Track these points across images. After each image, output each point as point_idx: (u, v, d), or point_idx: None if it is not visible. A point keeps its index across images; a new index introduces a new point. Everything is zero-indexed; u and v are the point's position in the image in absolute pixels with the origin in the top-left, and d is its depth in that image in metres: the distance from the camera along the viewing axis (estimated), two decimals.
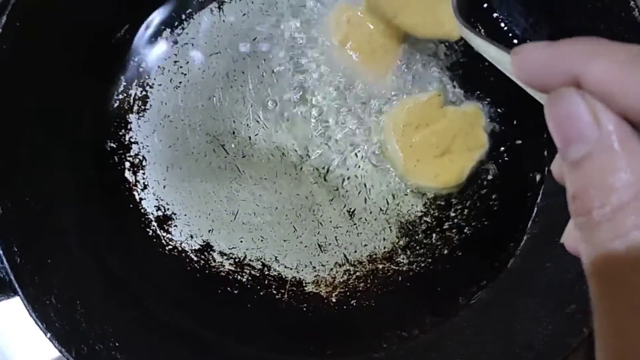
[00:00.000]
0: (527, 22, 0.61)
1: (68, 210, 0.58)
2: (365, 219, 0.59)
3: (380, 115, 0.61)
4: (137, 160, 0.62)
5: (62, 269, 0.53)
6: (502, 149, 0.60)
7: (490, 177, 0.59)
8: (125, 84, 0.64)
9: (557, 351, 0.47)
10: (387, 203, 0.59)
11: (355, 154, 0.61)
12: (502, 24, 0.62)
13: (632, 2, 0.49)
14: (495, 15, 0.62)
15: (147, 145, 0.62)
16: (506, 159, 0.60)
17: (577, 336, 0.46)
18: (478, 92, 0.61)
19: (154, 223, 0.60)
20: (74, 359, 0.46)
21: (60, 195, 0.58)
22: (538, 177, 0.59)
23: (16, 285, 0.48)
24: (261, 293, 0.58)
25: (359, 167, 0.60)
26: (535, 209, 0.59)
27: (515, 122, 0.60)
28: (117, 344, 0.50)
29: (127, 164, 0.62)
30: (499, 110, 0.61)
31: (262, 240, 0.59)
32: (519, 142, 0.60)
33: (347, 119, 0.62)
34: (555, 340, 0.47)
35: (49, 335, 0.46)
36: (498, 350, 0.51)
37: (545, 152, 0.59)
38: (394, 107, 0.60)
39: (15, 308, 0.65)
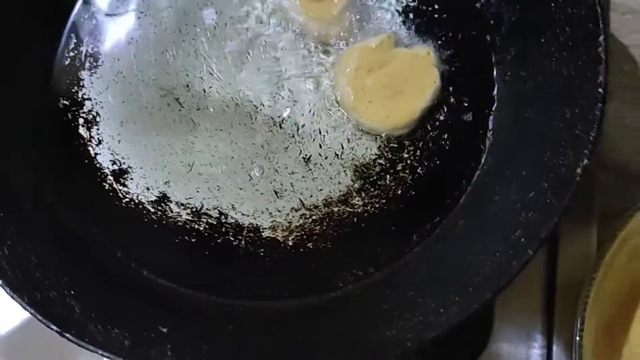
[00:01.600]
0: None
1: (22, 166, 0.58)
2: (321, 164, 0.60)
3: (332, 60, 0.61)
4: (91, 116, 0.62)
5: (14, 222, 0.53)
6: (452, 89, 0.60)
7: (441, 117, 0.60)
8: (75, 40, 0.63)
9: (502, 275, 0.47)
10: (342, 147, 0.60)
11: (309, 102, 0.61)
12: None
13: None
14: None
15: (100, 102, 0.62)
16: (456, 99, 0.60)
17: (521, 258, 0.47)
18: (428, 35, 0.62)
19: (109, 177, 0.60)
20: (26, 304, 0.46)
21: (14, 151, 0.58)
22: (487, 115, 0.60)
23: None
24: (219, 240, 0.58)
25: (313, 113, 0.61)
26: (485, 145, 0.59)
27: (464, 64, 0.61)
28: (72, 292, 0.51)
29: (81, 120, 0.62)
30: (448, 51, 0.61)
31: (218, 190, 0.59)
32: (468, 82, 0.60)
33: (300, 66, 0.62)
34: (501, 265, 0.48)
35: (0, 282, 0.47)
36: (449, 282, 0.52)
37: (495, 91, 0.60)
38: (346, 51, 0.61)
39: None
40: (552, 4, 0.55)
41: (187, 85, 0.62)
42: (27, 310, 0.46)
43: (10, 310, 0.67)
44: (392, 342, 0.48)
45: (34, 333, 0.68)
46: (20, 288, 0.47)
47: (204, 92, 0.62)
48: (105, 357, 0.47)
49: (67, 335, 0.46)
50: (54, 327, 0.46)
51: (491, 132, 0.59)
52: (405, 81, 0.59)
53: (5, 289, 0.47)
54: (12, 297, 0.47)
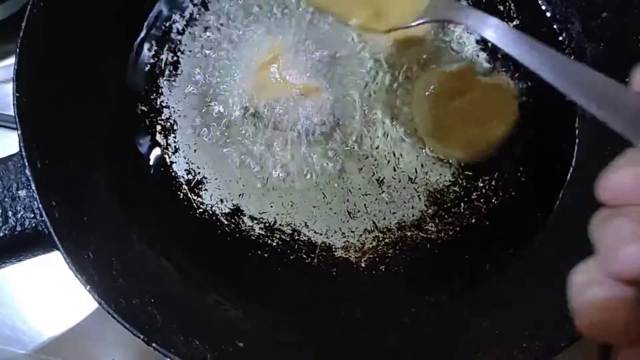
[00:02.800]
0: None
1: (102, 171, 0.58)
2: (394, 188, 0.60)
3: (411, 84, 0.61)
4: (169, 124, 0.62)
5: (97, 226, 0.54)
6: (531, 121, 0.60)
7: (519, 149, 0.60)
8: (156, 48, 0.64)
9: (561, 336, 0.47)
10: (416, 172, 0.60)
11: (384, 123, 0.61)
12: None
13: None
14: None
15: (178, 110, 0.63)
16: (535, 132, 0.60)
17: None
18: (508, 65, 0.62)
19: (184, 186, 0.60)
20: (113, 311, 0.46)
21: (95, 156, 0.58)
22: (567, 150, 0.60)
23: (55, 239, 0.48)
24: (291, 257, 0.58)
25: (389, 136, 0.61)
26: (564, 182, 0.59)
27: (544, 96, 0.61)
28: (152, 300, 0.51)
29: (159, 127, 0.62)
30: (528, 83, 0.61)
31: (292, 206, 0.60)
32: (548, 115, 0.61)
33: (378, 88, 0.62)
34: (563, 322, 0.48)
35: (88, 287, 0.47)
36: (522, 321, 0.52)
37: (576, 124, 0.60)
38: (426, 76, 0.61)
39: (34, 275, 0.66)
40: (639, 44, 0.55)
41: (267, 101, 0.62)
42: (114, 317, 0.46)
43: (62, 312, 0.68)
44: None
45: (86, 336, 0.69)
46: (107, 294, 0.47)
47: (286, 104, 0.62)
48: None
49: (154, 345, 0.46)
50: (141, 336, 0.46)
51: (570, 169, 0.59)
52: (485, 110, 0.59)
53: (93, 295, 0.47)
54: (100, 303, 0.47)
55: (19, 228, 0.49)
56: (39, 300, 0.70)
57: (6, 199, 0.49)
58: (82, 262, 0.49)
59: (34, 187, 0.48)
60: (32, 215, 0.49)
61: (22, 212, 0.49)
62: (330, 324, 0.56)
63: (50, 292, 0.70)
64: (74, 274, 0.47)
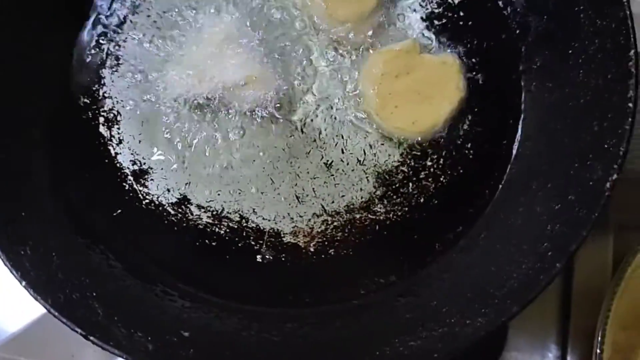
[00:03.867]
0: None
1: (42, 166, 0.57)
2: (343, 170, 0.59)
3: (356, 65, 0.61)
4: (112, 115, 0.61)
5: (36, 222, 0.53)
6: (477, 97, 0.60)
7: (465, 126, 0.60)
8: (97, 38, 0.63)
9: (529, 288, 0.47)
10: (364, 154, 0.60)
11: (331, 106, 0.60)
12: None
13: None
14: None
15: (121, 100, 0.61)
16: (481, 107, 0.60)
17: (549, 272, 0.47)
18: (454, 42, 0.61)
19: (130, 177, 0.60)
20: (50, 306, 0.46)
21: (34, 151, 0.57)
22: (513, 125, 0.59)
23: None
24: (239, 245, 0.58)
25: (335, 118, 0.60)
26: (510, 156, 0.59)
27: (490, 72, 0.61)
28: (94, 294, 0.50)
29: (102, 119, 0.61)
30: (474, 59, 0.61)
31: (239, 193, 0.59)
32: (494, 91, 0.60)
33: (324, 71, 0.61)
34: (528, 278, 0.48)
35: (24, 283, 0.46)
36: (473, 293, 0.52)
37: (521, 101, 0.59)
38: (371, 55, 0.60)
39: None
40: (581, 16, 0.55)
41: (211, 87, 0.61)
42: (50, 312, 0.46)
43: (21, 309, 0.67)
44: (417, 354, 0.47)
45: (45, 332, 0.68)
46: (44, 289, 0.47)
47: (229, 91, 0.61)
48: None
49: (92, 338, 0.45)
50: (79, 330, 0.45)
51: (516, 143, 0.59)
52: (432, 88, 0.59)
53: (29, 291, 0.46)
54: (36, 299, 0.46)
55: None
56: None
57: None
58: (18, 257, 0.48)
59: None
60: None
61: None
62: (278, 311, 0.56)
63: (6, 290, 0.69)
64: (8, 269, 0.46)
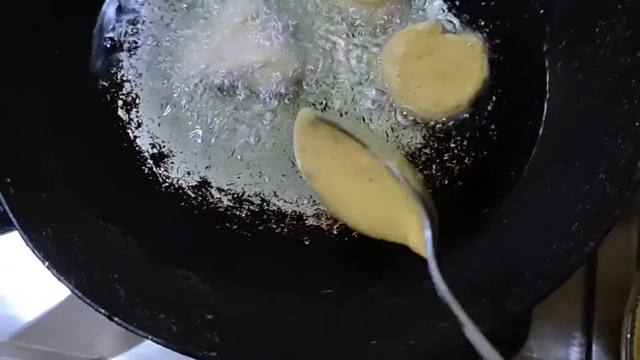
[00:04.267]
0: None
1: (61, 149, 0.57)
2: None
3: (377, 46, 0.60)
4: (130, 98, 0.61)
5: (57, 204, 0.52)
6: (501, 78, 0.59)
7: (489, 107, 0.59)
8: (115, 21, 0.62)
9: (561, 268, 0.46)
10: (387, 136, 0.59)
11: (352, 87, 0.59)
12: None
13: None
14: None
15: (140, 84, 0.61)
16: (505, 88, 0.59)
17: (581, 252, 0.46)
18: (476, 23, 0.61)
19: (149, 161, 0.59)
20: (73, 287, 0.45)
21: (53, 134, 0.57)
22: (539, 106, 0.58)
23: (11, 216, 0.47)
24: (260, 228, 0.57)
25: (357, 100, 0.59)
26: (536, 137, 0.58)
27: (514, 53, 0.60)
28: (115, 276, 0.49)
29: (120, 102, 0.60)
30: (497, 40, 0.60)
31: (260, 176, 0.58)
32: (518, 71, 0.59)
33: (346, 51, 0.60)
34: (559, 257, 0.47)
35: (47, 264, 0.45)
36: (503, 274, 0.51)
37: (547, 79, 0.58)
38: (393, 36, 0.59)
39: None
40: None
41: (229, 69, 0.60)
42: (74, 293, 0.45)
43: (36, 298, 0.67)
44: (445, 336, 0.46)
45: (61, 321, 0.67)
46: (67, 270, 0.46)
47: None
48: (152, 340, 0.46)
49: (116, 319, 0.44)
50: (103, 311, 0.44)
51: (542, 124, 0.58)
52: (455, 68, 0.58)
53: (52, 271, 0.46)
54: (59, 279, 0.46)
55: None
56: (12, 287, 0.69)
57: None
58: (40, 238, 0.47)
59: None
60: None
61: None
62: (302, 296, 0.55)
63: (24, 278, 0.68)
64: (31, 250, 0.46)
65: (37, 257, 0.46)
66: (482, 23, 0.60)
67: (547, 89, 0.59)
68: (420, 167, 0.58)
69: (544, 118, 0.58)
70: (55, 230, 0.49)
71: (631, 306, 0.54)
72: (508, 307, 0.46)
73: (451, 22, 0.61)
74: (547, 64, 0.59)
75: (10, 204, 0.47)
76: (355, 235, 0.57)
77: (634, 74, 0.51)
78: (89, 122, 0.59)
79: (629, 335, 0.53)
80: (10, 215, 0.47)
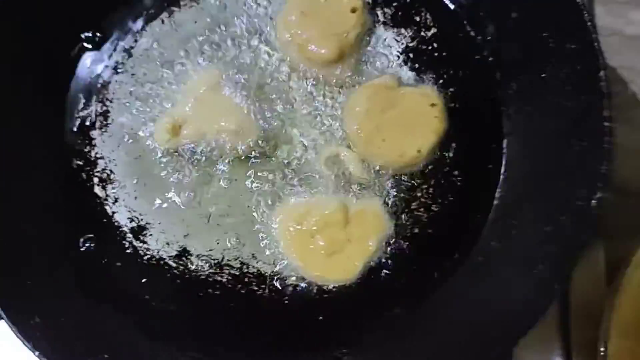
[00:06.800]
0: None
1: (39, 230, 0.58)
2: None
3: (338, 102, 0.63)
4: (105, 174, 0.62)
5: (42, 289, 0.53)
6: (459, 126, 0.61)
7: (451, 154, 0.61)
8: (84, 100, 0.64)
9: (531, 314, 0.48)
10: (352, 191, 0.61)
11: (315, 145, 0.62)
12: None
13: None
14: None
15: (113, 159, 0.63)
16: (464, 135, 0.61)
17: (549, 295, 0.48)
18: (430, 74, 0.63)
19: (129, 235, 0.60)
20: None
21: (32, 215, 0.58)
22: (497, 150, 0.61)
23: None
24: (242, 291, 0.59)
25: (321, 157, 0.61)
26: (498, 180, 0.60)
27: (468, 100, 0.63)
28: (105, 356, 0.50)
29: (96, 180, 0.62)
30: (451, 89, 0.63)
31: (237, 240, 0.60)
32: (474, 118, 0.62)
33: (306, 111, 0.63)
34: (529, 300, 0.50)
35: (37, 353, 0.47)
36: (477, 318, 0.53)
37: (501, 126, 0.61)
38: (352, 94, 0.62)
39: None
40: (550, 40, 0.57)
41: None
42: None
43: None
44: None
45: None
46: (58, 357, 0.47)
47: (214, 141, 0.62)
48: None
49: None
50: None
51: (502, 166, 0.61)
52: (415, 119, 0.61)
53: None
54: None
55: None
56: None
57: None
58: (28, 328, 0.48)
59: None
60: None
61: None
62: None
63: None
64: (22, 341, 0.47)
65: (27, 347, 0.47)
66: (436, 73, 0.63)
67: (504, 133, 0.61)
68: (390, 217, 0.60)
69: (504, 161, 0.61)
70: (43, 316, 0.50)
71: (603, 335, 0.57)
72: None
73: (407, 74, 0.64)
74: (501, 108, 0.62)
75: None
76: (333, 289, 0.58)
77: (581, 116, 0.54)
78: (69, 201, 0.60)
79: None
80: None
